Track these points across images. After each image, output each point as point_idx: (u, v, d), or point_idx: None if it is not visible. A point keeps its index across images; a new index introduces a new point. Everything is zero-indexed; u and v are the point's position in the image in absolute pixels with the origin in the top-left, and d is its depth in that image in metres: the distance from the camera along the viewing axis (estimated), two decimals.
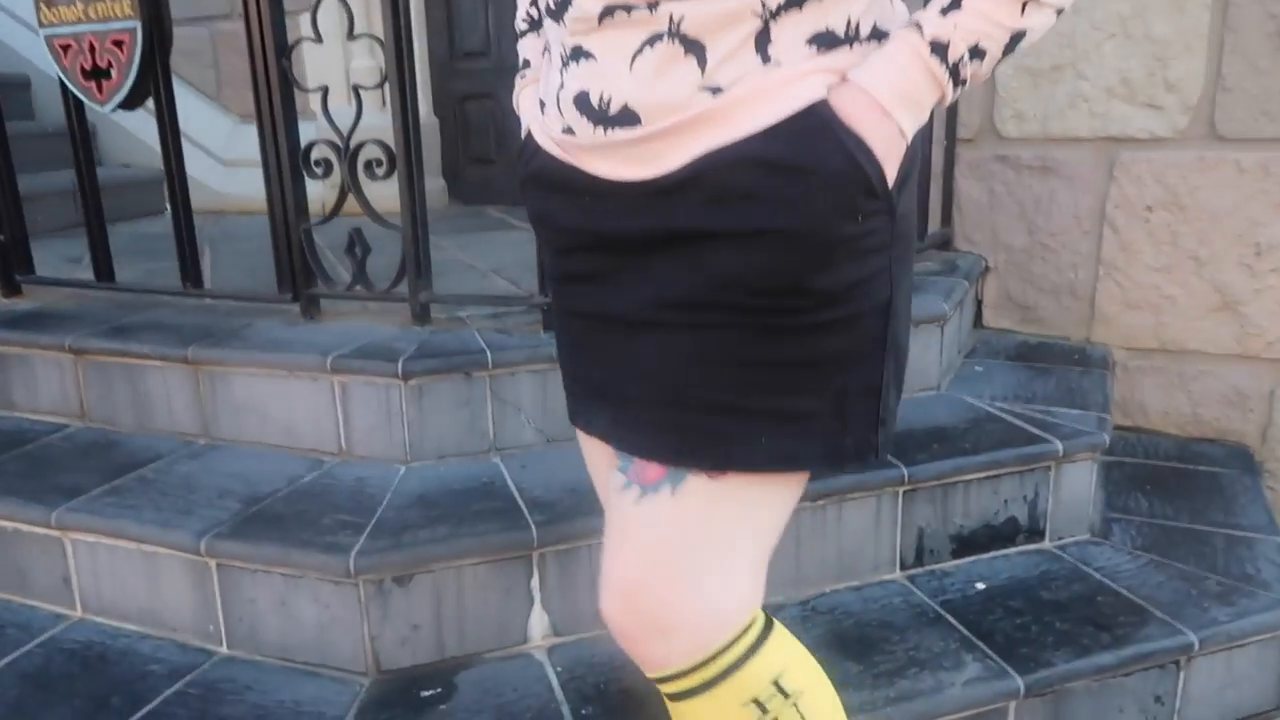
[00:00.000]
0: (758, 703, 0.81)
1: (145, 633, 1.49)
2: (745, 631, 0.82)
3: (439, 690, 1.35)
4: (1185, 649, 1.43)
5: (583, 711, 1.29)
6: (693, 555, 0.80)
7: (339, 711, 1.31)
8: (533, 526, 1.39)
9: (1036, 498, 1.68)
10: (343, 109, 1.73)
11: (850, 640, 1.44)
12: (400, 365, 1.56)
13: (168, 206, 2.06)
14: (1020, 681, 1.34)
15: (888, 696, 1.31)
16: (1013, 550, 1.69)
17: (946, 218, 2.39)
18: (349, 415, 1.62)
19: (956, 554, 1.65)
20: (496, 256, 2.49)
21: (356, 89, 1.76)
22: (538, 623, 1.43)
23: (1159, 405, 2.19)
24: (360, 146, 1.75)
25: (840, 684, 1.33)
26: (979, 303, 2.38)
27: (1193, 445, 2.13)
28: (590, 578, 1.43)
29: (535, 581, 1.41)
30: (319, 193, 1.91)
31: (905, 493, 1.58)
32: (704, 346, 0.77)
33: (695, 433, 0.78)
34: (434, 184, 3.43)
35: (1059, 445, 1.65)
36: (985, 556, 1.67)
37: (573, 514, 1.41)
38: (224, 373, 1.70)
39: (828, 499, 1.53)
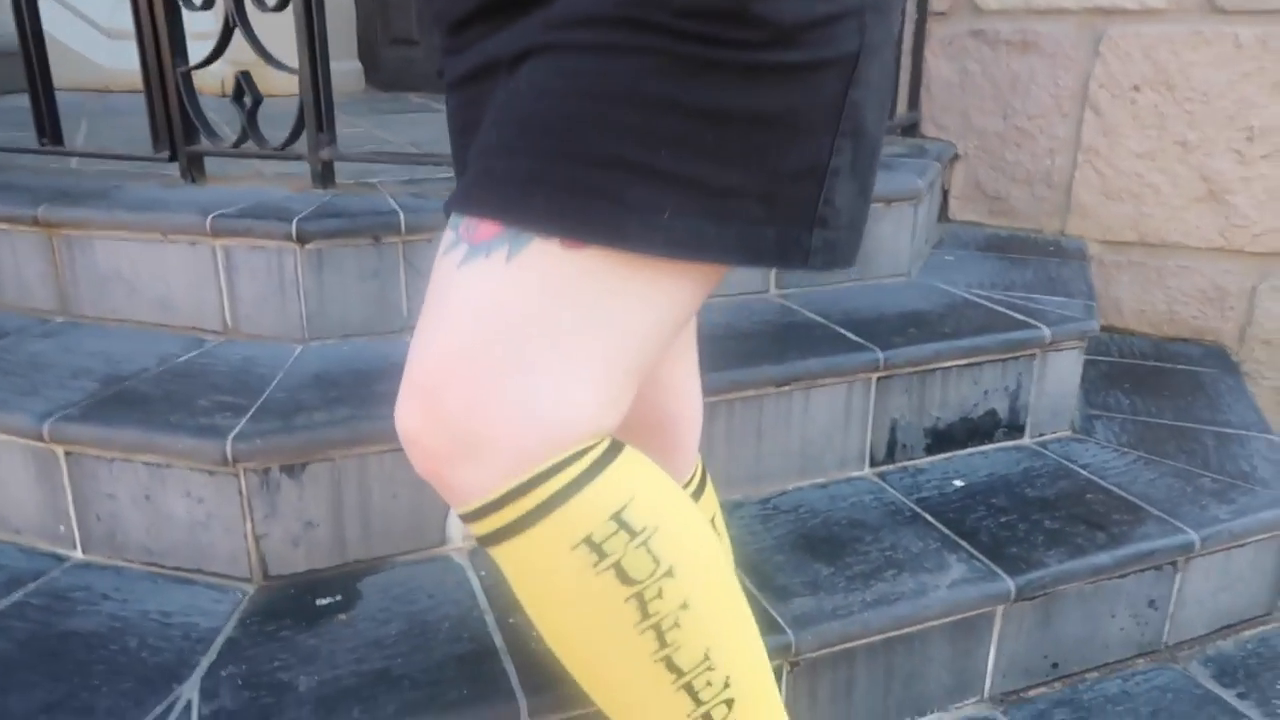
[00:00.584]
0: (591, 543, 0.61)
1: None
2: (581, 454, 0.61)
3: (338, 598, 1.13)
4: (1186, 548, 1.28)
5: (510, 621, 1.10)
6: (521, 346, 0.59)
7: (216, 622, 1.09)
8: None
9: (1019, 389, 1.51)
10: None
11: (818, 540, 1.26)
12: (295, 226, 1.31)
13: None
14: (1011, 583, 1.18)
15: (864, 600, 1.14)
16: (990, 447, 1.53)
17: (914, 101, 2.19)
18: (234, 286, 1.37)
19: (931, 450, 1.49)
20: (415, 133, 2.22)
21: None
22: (458, 522, 1.22)
23: (1134, 303, 2.05)
24: None
25: (811, 587, 1.17)
26: (945, 194, 2.20)
27: (1168, 345, 2.00)
28: None
29: None
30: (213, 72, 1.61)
31: (879, 380, 1.40)
32: (605, 74, 0.56)
33: (568, 188, 0.57)
34: (348, 66, 3.11)
35: (1046, 331, 1.49)
36: (961, 453, 1.51)
37: None
38: (84, 237, 1.42)
39: (795, 384, 1.34)
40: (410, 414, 0.62)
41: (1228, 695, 1.27)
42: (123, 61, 3.02)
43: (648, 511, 0.63)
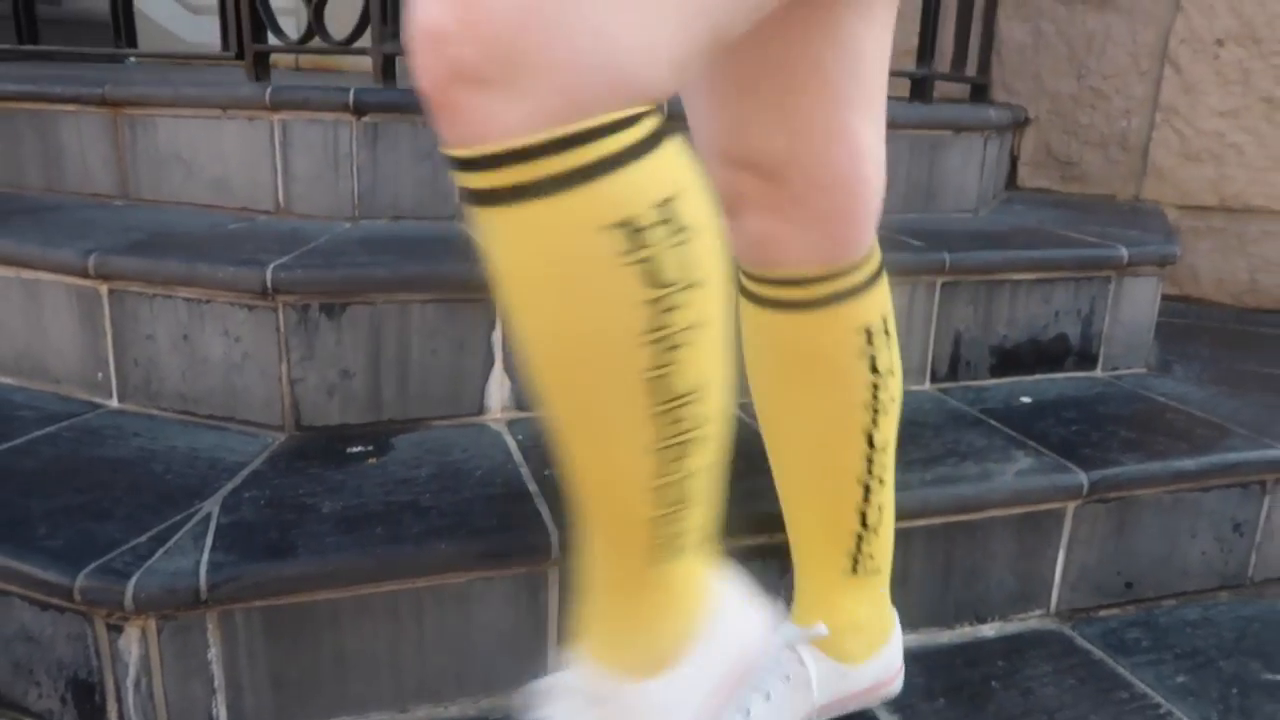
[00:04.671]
0: (630, 229, 0.51)
1: (20, 385, 1.23)
2: (638, 119, 0.51)
3: (370, 447, 1.09)
4: (1276, 465, 1.19)
5: (545, 473, 1.04)
6: None
7: (245, 459, 1.05)
8: None
9: (1092, 314, 1.43)
10: None
11: None
12: (353, 96, 1.31)
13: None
14: (1083, 476, 1.10)
15: (924, 479, 1.06)
16: (1060, 375, 1.45)
17: (984, 65, 2.14)
18: (289, 162, 1.36)
19: (995, 371, 1.41)
20: None
21: None
22: (497, 390, 1.18)
23: (1213, 271, 1.95)
24: None
25: None
26: (1014, 160, 2.14)
27: (1250, 315, 1.90)
28: None
29: (497, 335, 1.16)
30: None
31: (944, 285, 1.34)
32: None
33: None
34: None
35: (1123, 251, 1.41)
36: (1029, 378, 1.43)
37: None
38: (146, 116, 1.43)
39: None
40: (441, 6, 0.47)
41: None
42: (202, 35, 3.12)
43: (695, 210, 0.54)
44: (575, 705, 0.68)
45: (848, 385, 0.76)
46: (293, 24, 2.93)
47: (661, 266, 0.52)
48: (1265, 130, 1.85)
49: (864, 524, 0.83)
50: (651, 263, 0.52)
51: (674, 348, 0.54)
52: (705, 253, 0.54)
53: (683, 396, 0.56)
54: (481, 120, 0.49)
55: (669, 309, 0.53)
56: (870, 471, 0.81)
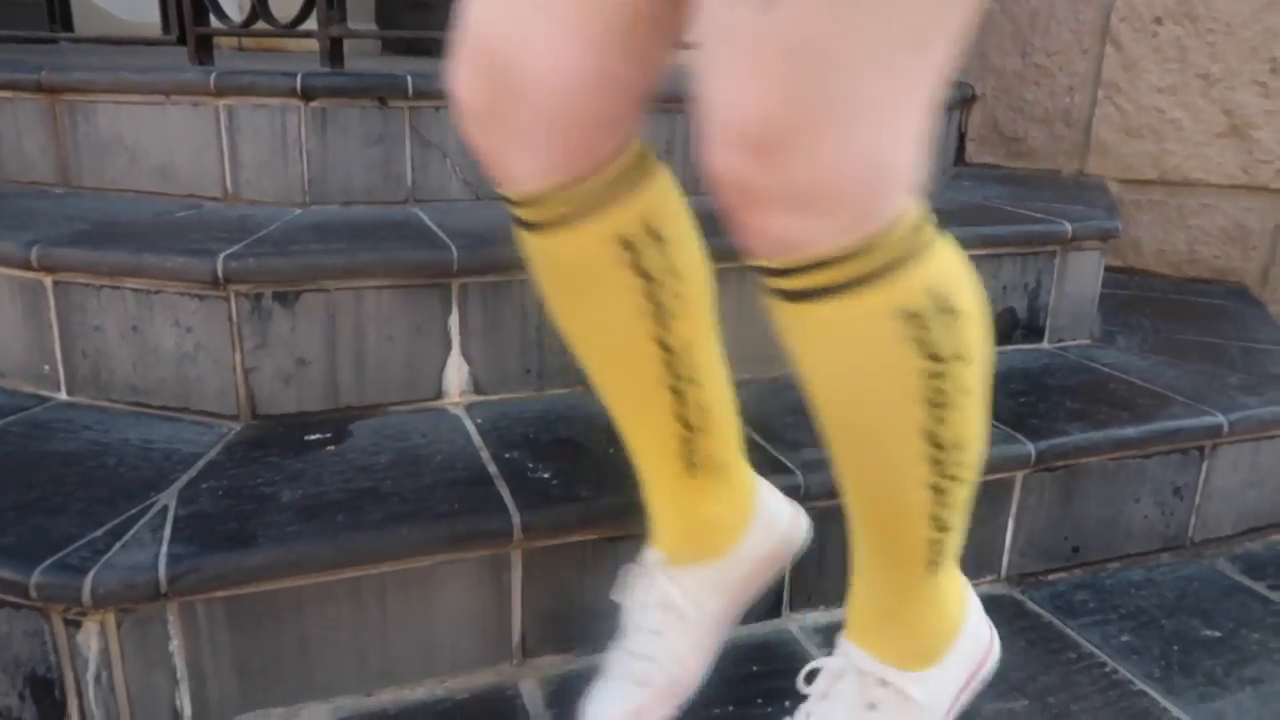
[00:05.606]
0: (908, 315, 0.61)
1: None
2: (913, 218, 0.60)
3: (328, 434, 1.09)
4: (1213, 431, 1.23)
5: (505, 456, 1.05)
6: (852, 85, 0.54)
7: (200, 449, 1.04)
8: (452, 248, 1.13)
9: (1039, 288, 1.47)
10: None
11: None
12: (300, 80, 1.29)
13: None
14: (1030, 447, 1.13)
15: None
16: (1008, 348, 1.48)
17: None
18: (236, 148, 1.34)
19: None
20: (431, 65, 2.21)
21: None
22: (455, 374, 1.18)
23: (1154, 243, 2.01)
24: None
25: (818, 443, 1.12)
26: (961, 136, 2.17)
27: (1189, 285, 1.96)
28: (521, 319, 1.18)
29: (454, 319, 1.16)
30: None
31: None
32: None
33: None
34: (366, 29, 3.11)
35: (1067, 227, 1.44)
36: None
37: (503, 240, 1.15)
38: (86, 103, 1.40)
39: None
40: (730, 164, 0.56)
41: (1258, 586, 1.21)
42: (141, 14, 3.04)
43: (965, 296, 0.63)
44: (848, 687, 0.80)
45: (617, 294, 0.75)
46: (234, 2, 2.87)
47: (934, 343, 0.62)
48: (1202, 106, 1.90)
49: (687, 427, 0.81)
50: (926, 339, 0.62)
51: (943, 406, 0.65)
52: (972, 333, 0.64)
53: (951, 446, 0.67)
54: (788, 238, 0.58)
55: (939, 375, 0.63)
56: (673, 373, 0.79)
